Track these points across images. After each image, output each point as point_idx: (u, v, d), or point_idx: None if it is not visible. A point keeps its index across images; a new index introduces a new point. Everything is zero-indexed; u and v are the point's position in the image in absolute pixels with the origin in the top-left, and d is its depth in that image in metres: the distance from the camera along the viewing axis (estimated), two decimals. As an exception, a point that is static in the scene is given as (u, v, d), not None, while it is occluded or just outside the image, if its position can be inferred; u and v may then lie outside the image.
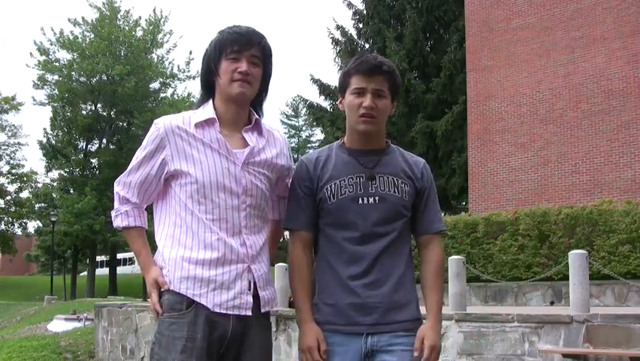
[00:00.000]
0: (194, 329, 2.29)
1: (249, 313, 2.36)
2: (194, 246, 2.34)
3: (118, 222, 2.49)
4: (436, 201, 2.54)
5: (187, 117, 2.43)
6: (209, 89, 2.49)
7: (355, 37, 28.84)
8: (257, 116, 2.51)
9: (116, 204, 2.50)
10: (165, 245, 2.39)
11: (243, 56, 2.41)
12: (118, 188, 2.49)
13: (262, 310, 2.42)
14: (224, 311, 2.31)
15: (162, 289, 2.36)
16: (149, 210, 2.53)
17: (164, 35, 42.46)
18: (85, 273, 49.59)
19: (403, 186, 2.42)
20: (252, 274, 2.38)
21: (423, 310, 2.48)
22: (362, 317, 2.36)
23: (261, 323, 2.44)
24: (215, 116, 2.41)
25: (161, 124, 2.44)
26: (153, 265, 2.40)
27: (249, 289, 2.37)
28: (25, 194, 46.30)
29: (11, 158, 46.40)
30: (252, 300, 2.37)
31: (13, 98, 45.83)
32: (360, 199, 2.39)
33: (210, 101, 2.46)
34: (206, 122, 2.40)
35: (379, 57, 2.47)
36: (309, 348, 2.37)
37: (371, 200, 2.39)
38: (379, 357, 2.36)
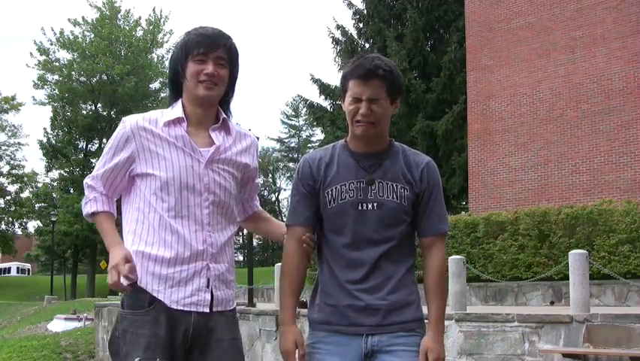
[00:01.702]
0: (157, 325, 2.32)
1: (207, 310, 2.38)
2: (154, 243, 2.38)
3: (87, 208, 2.50)
4: (440, 201, 2.46)
5: (154, 117, 2.48)
6: (176, 90, 2.53)
7: (355, 37, 28.84)
8: (224, 116, 2.55)
9: (85, 193, 2.53)
10: (127, 241, 2.42)
11: (209, 58, 2.44)
12: (87, 180, 2.53)
13: (214, 310, 2.41)
14: (182, 308, 2.35)
15: (128, 283, 2.36)
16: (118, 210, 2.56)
17: (164, 35, 42.53)
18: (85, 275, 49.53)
19: (402, 192, 2.38)
20: (210, 272, 2.40)
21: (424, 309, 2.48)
22: (363, 319, 2.36)
23: (228, 319, 2.46)
24: (183, 116, 2.46)
25: (128, 123, 2.49)
26: (123, 244, 2.42)
27: (207, 287, 2.39)
28: (25, 194, 46.37)
29: (12, 158, 46.48)
30: (209, 297, 2.39)
31: (13, 98, 45.89)
32: (359, 205, 2.38)
33: (180, 101, 2.51)
34: (174, 122, 2.46)
35: (377, 59, 2.40)
36: (286, 352, 2.37)
37: (370, 206, 2.37)
38: (380, 358, 2.36)
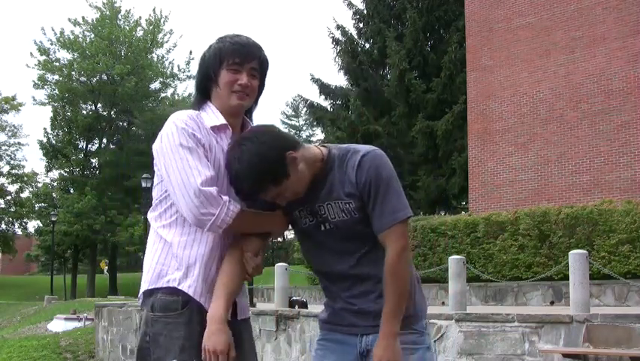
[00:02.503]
0: (191, 327, 2.32)
1: (232, 317, 2.41)
2: (208, 252, 2.39)
3: (232, 210, 2.28)
4: (385, 193, 2.32)
5: (199, 119, 2.40)
6: (204, 94, 2.49)
7: (355, 37, 28.86)
8: (250, 123, 2.55)
9: (213, 205, 2.26)
10: (180, 242, 2.36)
11: (243, 69, 2.42)
12: (204, 189, 2.26)
13: (238, 318, 2.46)
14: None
15: (154, 287, 2.35)
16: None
17: (164, 35, 42.52)
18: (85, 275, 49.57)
19: (348, 206, 2.35)
20: None
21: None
22: (357, 320, 2.41)
23: (245, 326, 2.52)
24: (227, 123, 2.44)
25: (188, 124, 2.35)
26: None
27: None
28: (25, 194, 46.40)
29: (12, 158, 46.48)
30: (234, 305, 2.44)
31: (13, 98, 45.89)
32: (321, 226, 2.40)
33: (212, 106, 2.46)
34: (220, 128, 2.43)
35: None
36: (221, 351, 2.26)
37: (328, 226, 2.39)
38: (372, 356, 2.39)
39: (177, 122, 2.36)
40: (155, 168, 2.44)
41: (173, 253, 2.37)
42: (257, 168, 2.23)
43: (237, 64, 2.41)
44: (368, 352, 2.38)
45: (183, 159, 2.29)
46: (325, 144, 2.47)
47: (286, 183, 2.28)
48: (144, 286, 2.42)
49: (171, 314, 2.33)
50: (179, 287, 2.34)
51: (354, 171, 2.33)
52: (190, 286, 2.33)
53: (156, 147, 2.40)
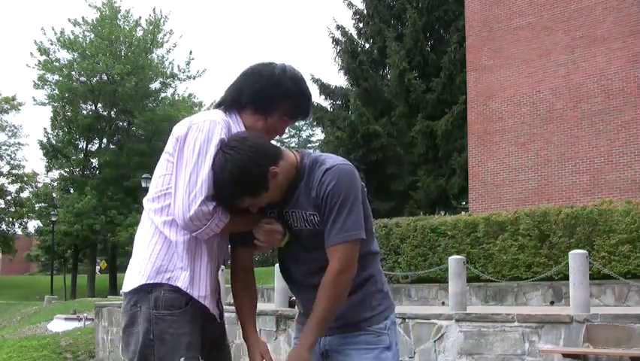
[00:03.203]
0: (194, 324, 2.34)
1: (221, 319, 2.52)
2: (208, 253, 2.42)
3: (222, 220, 2.34)
4: (341, 210, 2.29)
5: (229, 124, 2.39)
6: (239, 104, 2.44)
7: (355, 37, 28.87)
8: None
9: (206, 218, 2.30)
10: (185, 242, 2.35)
11: (290, 123, 2.50)
12: (204, 207, 2.28)
13: (219, 321, 2.53)
14: (212, 313, 2.44)
15: (153, 282, 2.34)
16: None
17: (164, 35, 42.51)
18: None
19: (312, 218, 2.37)
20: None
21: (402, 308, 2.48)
22: None
23: (223, 327, 2.60)
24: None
25: (224, 125, 2.35)
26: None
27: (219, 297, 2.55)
28: (25, 194, 46.42)
29: (12, 158, 46.50)
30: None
31: (13, 98, 45.91)
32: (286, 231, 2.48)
33: (241, 121, 2.44)
34: None
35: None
36: None
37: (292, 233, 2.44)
38: (333, 357, 2.47)
39: (217, 119, 2.34)
40: (168, 156, 2.39)
41: (178, 253, 2.35)
42: (239, 181, 2.24)
43: (291, 120, 2.47)
44: (327, 352, 2.46)
45: (201, 166, 2.28)
46: (299, 150, 2.46)
47: (264, 195, 2.31)
48: (140, 280, 2.35)
49: (176, 312, 2.32)
50: (187, 291, 2.34)
51: (317, 185, 2.33)
52: (199, 289, 2.35)
53: (181, 134, 2.35)
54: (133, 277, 2.38)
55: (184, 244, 2.34)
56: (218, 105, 2.47)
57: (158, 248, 2.36)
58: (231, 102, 2.45)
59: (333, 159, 2.37)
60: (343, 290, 2.33)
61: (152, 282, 2.33)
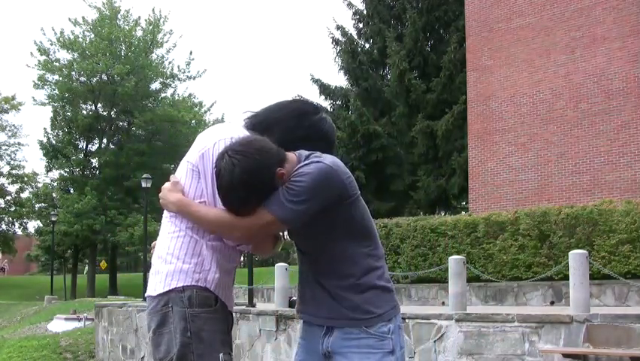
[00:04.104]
0: (224, 323, 2.46)
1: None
2: (230, 253, 2.49)
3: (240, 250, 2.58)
4: (289, 191, 2.29)
5: None
6: (267, 132, 2.42)
7: (355, 37, 28.86)
8: None
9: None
10: (222, 249, 2.45)
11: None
12: (231, 243, 2.53)
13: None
14: (230, 309, 2.54)
15: (185, 284, 2.39)
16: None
17: (164, 35, 42.46)
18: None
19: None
20: None
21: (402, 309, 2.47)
22: (316, 310, 2.53)
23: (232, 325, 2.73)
24: None
25: None
26: None
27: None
28: (25, 194, 46.39)
29: (12, 158, 46.49)
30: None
31: (13, 98, 45.89)
32: None
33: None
34: None
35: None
36: None
37: None
38: (336, 358, 2.48)
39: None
40: (192, 166, 2.43)
41: (203, 255, 2.40)
42: (247, 185, 2.24)
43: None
44: (329, 353, 2.46)
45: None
46: (295, 151, 2.43)
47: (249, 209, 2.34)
48: (170, 282, 2.39)
49: (210, 310, 2.41)
50: (215, 291, 2.41)
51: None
52: (224, 289, 2.46)
53: (206, 150, 2.41)
54: (161, 280, 2.42)
55: (209, 246, 2.42)
56: (249, 121, 2.51)
57: (184, 251, 2.41)
58: (259, 126, 2.48)
59: (321, 158, 2.35)
60: (217, 227, 2.35)
61: (182, 284, 2.38)
